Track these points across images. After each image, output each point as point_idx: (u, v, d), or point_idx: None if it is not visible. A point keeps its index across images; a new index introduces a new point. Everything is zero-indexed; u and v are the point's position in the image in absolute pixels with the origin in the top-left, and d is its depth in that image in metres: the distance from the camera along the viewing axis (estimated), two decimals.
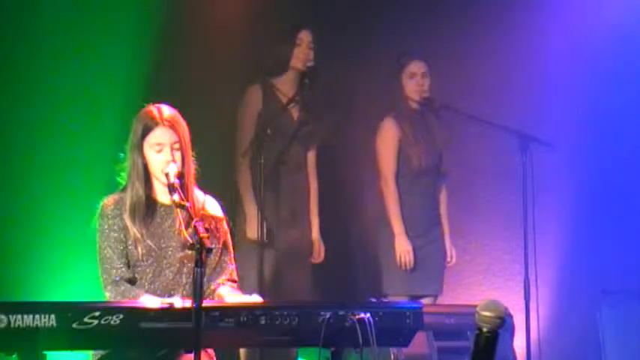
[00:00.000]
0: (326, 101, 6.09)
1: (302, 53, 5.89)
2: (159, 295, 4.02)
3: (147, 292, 4.09)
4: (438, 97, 6.01)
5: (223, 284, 4.21)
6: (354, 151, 6.45)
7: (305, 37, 5.90)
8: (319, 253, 5.99)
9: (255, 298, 4.04)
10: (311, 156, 6.04)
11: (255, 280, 5.59)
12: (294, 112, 5.91)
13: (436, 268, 6.00)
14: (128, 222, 4.13)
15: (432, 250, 5.99)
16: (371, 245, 6.15)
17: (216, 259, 4.21)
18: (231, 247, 4.30)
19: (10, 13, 5.72)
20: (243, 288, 5.38)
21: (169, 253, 4.17)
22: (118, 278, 4.09)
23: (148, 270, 4.14)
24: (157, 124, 4.13)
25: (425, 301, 5.86)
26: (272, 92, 5.89)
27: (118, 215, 4.14)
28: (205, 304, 3.64)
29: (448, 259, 6.10)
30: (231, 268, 4.27)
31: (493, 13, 6.56)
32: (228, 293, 4.12)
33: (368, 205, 6.29)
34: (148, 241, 4.13)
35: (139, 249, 4.12)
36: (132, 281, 4.12)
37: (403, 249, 5.87)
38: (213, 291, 4.16)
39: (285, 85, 5.88)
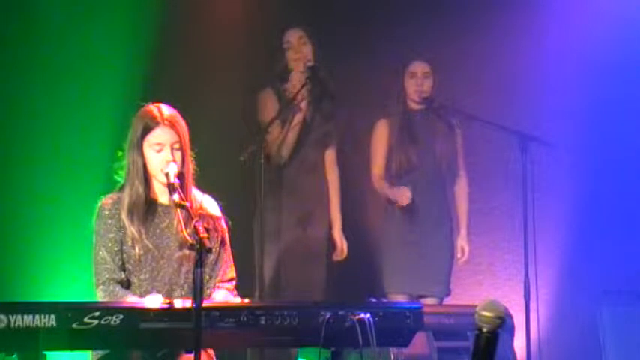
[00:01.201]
0: (334, 101, 6.07)
1: (295, 53, 5.84)
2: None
3: (145, 292, 4.09)
4: (438, 98, 6.00)
5: (219, 287, 4.21)
6: (355, 150, 6.44)
7: (291, 37, 5.85)
8: (342, 250, 5.97)
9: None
10: (330, 155, 6.01)
11: (265, 279, 5.60)
12: (306, 112, 5.88)
13: (440, 269, 5.99)
14: (126, 222, 4.12)
15: (436, 253, 5.97)
16: (372, 244, 6.15)
17: (214, 258, 4.21)
18: (228, 246, 4.30)
19: (10, 13, 5.72)
20: (252, 288, 5.44)
21: (167, 253, 4.16)
22: (108, 279, 4.08)
23: (146, 270, 4.14)
24: (157, 123, 4.13)
25: (429, 301, 5.85)
26: (285, 96, 5.84)
27: (116, 215, 4.14)
28: (205, 304, 3.64)
29: (459, 255, 6.08)
30: (228, 266, 4.27)
31: (493, 14, 6.56)
32: (222, 299, 4.12)
33: (369, 203, 6.28)
34: (146, 241, 4.13)
35: (137, 249, 4.12)
36: (123, 283, 4.12)
37: (400, 192, 5.85)
38: (209, 294, 4.16)
39: (296, 87, 5.81)
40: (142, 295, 4.06)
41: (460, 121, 6.14)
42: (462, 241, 6.09)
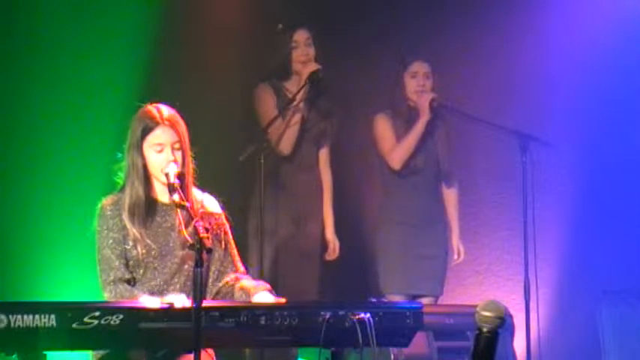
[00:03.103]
0: (331, 100, 6.07)
1: (301, 55, 5.84)
2: (159, 295, 4.01)
3: (147, 291, 4.09)
4: (438, 98, 6.00)
5: (239, 278, 4.21)
6: (353, 150, 6.45)
7: (300, 37, 5.85)
8: (334, 250, 5.97)
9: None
10: (323, 154, 6.01)
11: (264, 278, 5.60)
12: (304, 111, 5.87)
13: (436, 268, 5.98)
14: (127, 222, 4.12)
15: (431, 251, 5.97)
16: (369, 244, 6.15)
17: (222, 253, 4.22)
18: (232, 241, 4.31)
19: (11, 13, 5.72)
20: None
21: (170, 252, 4.17)
22: (116, 278, 4.08)
23: (148, 269, 4.14)
24: (157, 124, 4.13)
25: (424, 301, 5.85)
26: (282, 92, 5.85)
27: (117, 216, 4.14)
28: (207, 303, 3.65)
29: (455, 257, 6.08)
30: (238, 259, 4.29)
31: (493, 15, 6.57)
32: (253, 286, 4.12)
33: (366, 203, 6.28)
34: (148, 241, 4.13)
35: (139, 248, 4.12)
36: (130, 282, 4.12)
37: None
38: (232, 285, 4.17)
39: (294, 86, 5.82)
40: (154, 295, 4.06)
41: (460, 121, 6.14)
42: (457, 243, 6.09)
